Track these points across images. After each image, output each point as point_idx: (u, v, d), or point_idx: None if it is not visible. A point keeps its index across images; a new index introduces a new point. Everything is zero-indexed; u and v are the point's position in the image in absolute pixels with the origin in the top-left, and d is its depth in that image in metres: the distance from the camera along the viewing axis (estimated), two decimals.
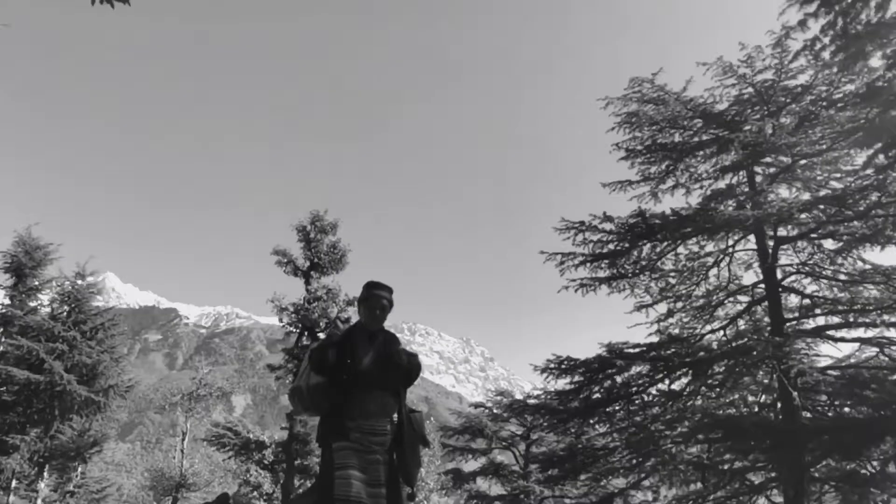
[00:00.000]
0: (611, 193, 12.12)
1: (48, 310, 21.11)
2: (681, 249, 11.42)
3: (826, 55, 8.19)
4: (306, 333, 17.98)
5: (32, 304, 20.98)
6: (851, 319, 10.12)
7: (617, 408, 11.02)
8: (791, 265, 10.94)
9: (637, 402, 10.88)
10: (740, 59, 11.31)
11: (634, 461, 10.78)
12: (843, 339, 10.07)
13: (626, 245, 11.25)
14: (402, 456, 3.77)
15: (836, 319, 10.42)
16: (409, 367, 3.92)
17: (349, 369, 3.74)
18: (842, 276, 10.64)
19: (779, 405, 10.14)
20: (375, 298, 3.95)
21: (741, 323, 11.38)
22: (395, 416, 3.84)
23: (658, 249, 11.37)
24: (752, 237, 11.07)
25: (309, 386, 3.75)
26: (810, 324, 10.86)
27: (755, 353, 9.49)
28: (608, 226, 11.20)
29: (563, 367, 10.94)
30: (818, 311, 10.64)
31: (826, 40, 7.91)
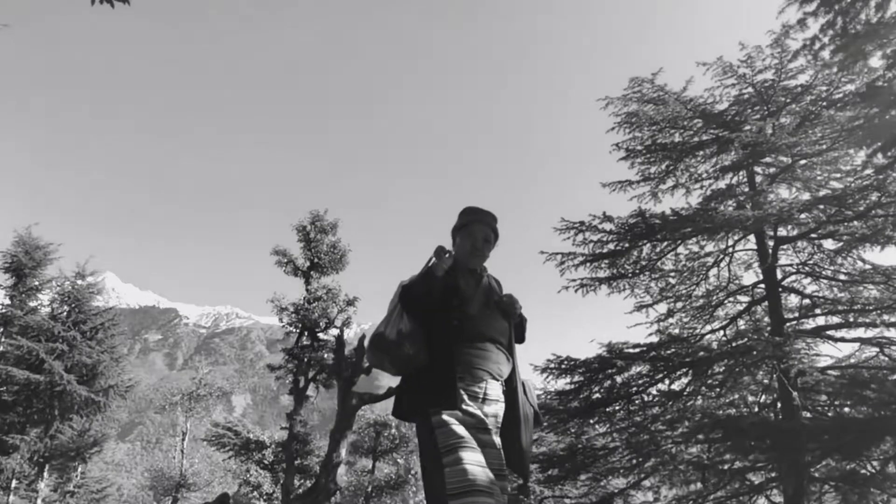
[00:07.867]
0: (611, 193, 12.12)
1: (48, 310, 21.16)
2: (681, 249, 11.41)
3: (825, 55, 8.19)
4: (306, 333, 18.01)
5: (32, 304, 21.04)
6: (851, 319, 10.10)
7: (617, 408, 11.01)
8: (791, 265, 10.94)
9: (637, 402, 10.87)
10: (740, 59, 11.31)
11: (634, 461, 10.76)
12: (843, 339, 10.05)
13: (626, 245, 11.24)
14: (514, 434, 2.78)
15: (836, 319, 10.40)
16: (522, 319, 3.02)
17: (457, 314, 2.77)
18: (842, 276, 10.63)
19: (779, 405, 10.13)
20: (479, 227, 2.97)
21: (741, 323, 11.37)
22: (505, 380, 2.85)
23: (658, 249, 11.36)
24: (752, 237, 11.06)
25: (403, 333, 2.70)
26: (810, 324, 10.84)
27: (755, 353, 9.48)
28: (608, 226, 11.18)
29: (563, 367, 10.92)
30: (818, 311, 10.62)
31: (825, 39, 7.91)
